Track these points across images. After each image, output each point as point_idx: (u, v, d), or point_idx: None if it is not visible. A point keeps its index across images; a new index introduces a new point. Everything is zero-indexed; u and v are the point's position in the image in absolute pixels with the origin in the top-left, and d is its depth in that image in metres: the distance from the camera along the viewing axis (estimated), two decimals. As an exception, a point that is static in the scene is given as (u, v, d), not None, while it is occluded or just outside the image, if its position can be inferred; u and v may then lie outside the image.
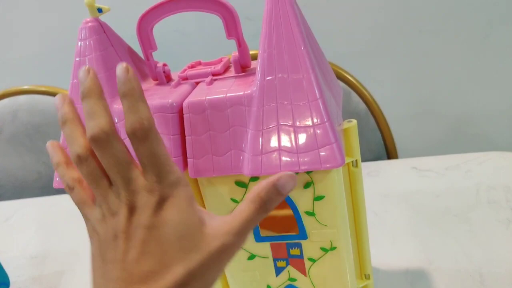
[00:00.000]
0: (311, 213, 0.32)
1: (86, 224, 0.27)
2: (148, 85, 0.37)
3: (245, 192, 0.32)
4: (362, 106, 0.77)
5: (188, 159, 0.31)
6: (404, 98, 1.09)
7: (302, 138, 0.29)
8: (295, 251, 0.34)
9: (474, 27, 0.99)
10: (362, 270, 0.40)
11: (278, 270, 0.36)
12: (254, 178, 0.31)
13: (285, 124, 0.29)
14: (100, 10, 0.36)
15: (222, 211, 0.33)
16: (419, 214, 0.56)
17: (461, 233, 0.51)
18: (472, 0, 0.95)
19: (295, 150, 0.29)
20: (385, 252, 0.51)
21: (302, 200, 0.31)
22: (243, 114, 0.30)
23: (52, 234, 0.66)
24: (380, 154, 0.80)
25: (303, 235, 0.33)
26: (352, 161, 0.35)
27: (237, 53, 0.35)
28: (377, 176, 0.65)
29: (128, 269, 0.24)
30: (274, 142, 0.29)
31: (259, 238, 0.34)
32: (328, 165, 0.28)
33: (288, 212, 0.33)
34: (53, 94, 0.87)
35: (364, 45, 1.03)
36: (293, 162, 0.29)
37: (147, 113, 0.24)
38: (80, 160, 0.25)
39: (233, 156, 0.30)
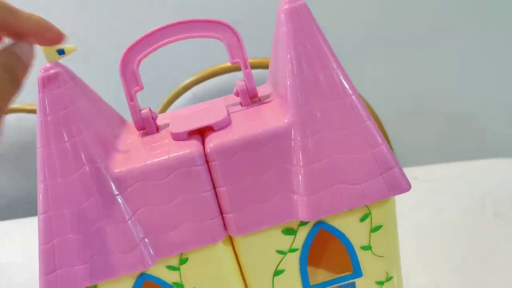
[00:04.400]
0: (367, 247, 0.29)
1: None
2: (134, 137, 0.30)
3: (294, 239, 0.27)
4: None
5: (226, 215, 0.26)
6: (399, 98, 1.04)
7: (361, 166, 0.25)
8: (348, 293, 0.30)
9: (468, 21, 0.96)
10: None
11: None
12: (304, 222, 0.27)
13: (339, 154, 0.26)
14: (61, 52, 0.28)
15: (266, 267, 0.28)
16: (422, 232, 0.52)
17: (468, 251, 0.47)
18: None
19: (356, 181, 0.25)
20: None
21: (358, 234, 0.28)
22: (285, 150, 0.26)
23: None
24: None
25: (358, 273, 0.29)
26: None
27: (243, 82, 0.30)
28: None
29: None
30: (330, 176, 0.25)
31: (310, 286, 0.29)
32: (395, 192, 0.25)
33: (339, 248, 0.29)
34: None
35: (355, 43, 0.98)
36: (357, 194, 0.25)
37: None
38: None
39: (282, 201, 0.26)
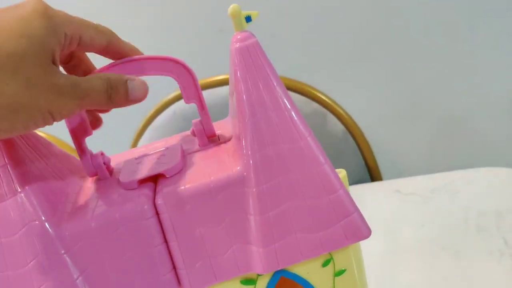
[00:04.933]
0: (332, 292, 0.28)
1: None
2: (86, 184, 0.29)
3: (254, 289, 0.26)
4: (340, 127, 0.74)
5: (179, 271, 0.25)
6: (384, 104, 1.02)
7: (318, 213, 0.24)
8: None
9: (457, 20, 0.94)
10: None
11: None
12: (263, 270, 0.26)
13: (295, 201, 0.24)
14: (248, 19, 0.26)
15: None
16: (403, 248, 0.50)
17: (449, 270, 0.46)
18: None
19: (314, 229, 0.24)
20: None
21: (321, 280, 0.27)
22: (239, 198, 0.25)
23: None
24: (363, 176, 0.77)
25: (324, 317, 0.28)
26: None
27: (199, 121, 0.29)
28: (358, 203, 0.58)
29: None
30: (286, 225, 0.24)
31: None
32: (355, 239, 0.24)
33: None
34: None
35: (336, 55, 0.97)
36: (315, 244, 0.24)
37: None
38: None
39: (237, 253, 0.25)
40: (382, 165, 0.78)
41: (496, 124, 1.02)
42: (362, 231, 0.24)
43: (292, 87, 0.73)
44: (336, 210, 0.24)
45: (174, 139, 0.31)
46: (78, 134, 0.28)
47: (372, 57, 0.98)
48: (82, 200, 0.27)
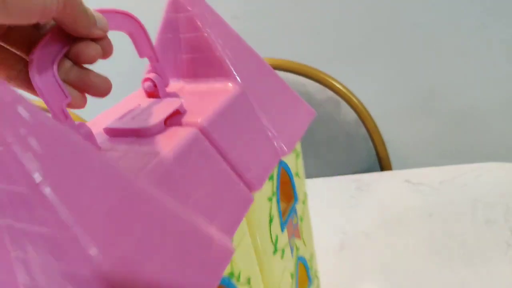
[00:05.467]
0: (297, 174, 0.36)
1: None
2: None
3: (273, 183, 0.31)
4: (352, 115, 0.71)
5: (244, 178, 0.27)
6: (397, 96, 0.99)
7: (289, 104, 0.33)
8: (295, 220, 0.37)
9: (469, 16, 0.93)
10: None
11: (292, 251, 0.36)
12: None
13: (279, 96, 0.32)
14: None
15: (264, 218, 0.30)
16: (411, 236, 0.52)
17: (456, 259, 0.47)
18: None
19: (294, 113, 0.33)
20: (374, 280, 0.47)
21: (293, 164, 0.35)
22: (249, 104, 0.30)
23: None
24: (373, 165, 0.75)
25: (296, 199, 0.36)
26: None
27: (156, 74, 0.30)
28: (367, 191, 0.61)
29: None
30: (285, 113, 0.32)
31: (283, 224, 0.34)
32: (311, 118, 0.35)
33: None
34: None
35: (352, 44, 0.90)
36: (301, 125, 0.33)
37: None
38: None
39: (268, 146, 0.30)
40: (391, 156, 0.79)
41: (506, 120, 1.04)
42: (312, 112, 0.35)
43: (308, 74, 0.71)
44: (298, 104, 0.34)
45: (129, 101, 0.29)
46: (58, 101, 0.22)
47: (386, 49, 0.98)
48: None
